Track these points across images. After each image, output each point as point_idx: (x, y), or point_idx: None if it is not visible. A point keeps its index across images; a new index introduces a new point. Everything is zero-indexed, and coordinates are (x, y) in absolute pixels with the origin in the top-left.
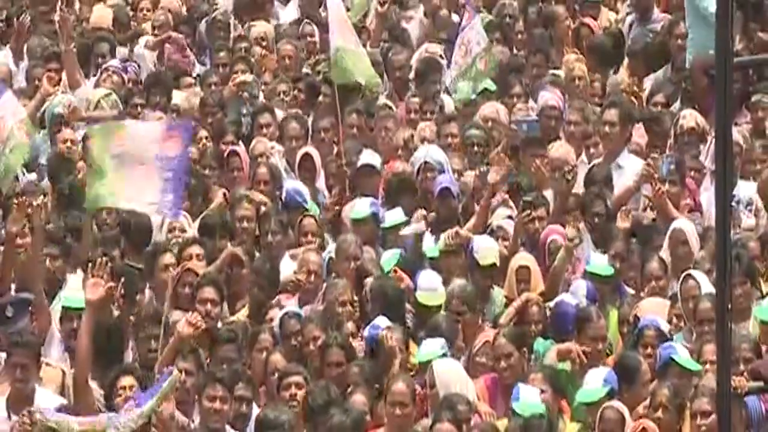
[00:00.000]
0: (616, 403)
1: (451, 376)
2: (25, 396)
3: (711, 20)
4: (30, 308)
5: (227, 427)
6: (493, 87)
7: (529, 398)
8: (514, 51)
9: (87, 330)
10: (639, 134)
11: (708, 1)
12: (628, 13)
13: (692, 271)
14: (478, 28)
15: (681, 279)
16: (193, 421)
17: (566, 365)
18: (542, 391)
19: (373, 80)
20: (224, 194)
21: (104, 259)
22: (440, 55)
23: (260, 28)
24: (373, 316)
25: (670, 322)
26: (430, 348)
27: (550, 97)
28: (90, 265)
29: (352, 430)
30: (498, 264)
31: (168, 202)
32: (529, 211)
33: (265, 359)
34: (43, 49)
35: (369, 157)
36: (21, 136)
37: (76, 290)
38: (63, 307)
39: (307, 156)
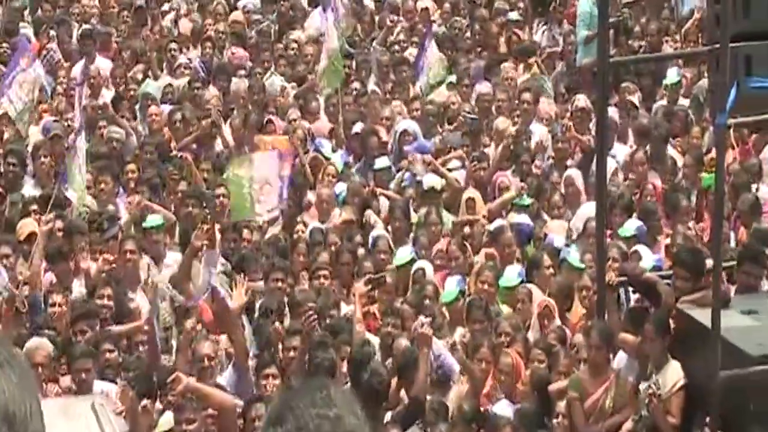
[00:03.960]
0: (528, 285)
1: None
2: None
3: (593, 34)
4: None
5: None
6: (454, 79)
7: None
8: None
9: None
10: (549, 107)
11: (589, 23)
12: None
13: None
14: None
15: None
16: None
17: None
18: (489, 284)
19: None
20: None
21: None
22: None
23: (295, 34)
24: None
25: (567, 237)
26: (405, 253)
27: (484, 86)
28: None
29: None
30: (438, 189)
31: (281, 207)
32: (476, 163)
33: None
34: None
35: (359, 128)
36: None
37: (155, 215)
38: (143, 227)
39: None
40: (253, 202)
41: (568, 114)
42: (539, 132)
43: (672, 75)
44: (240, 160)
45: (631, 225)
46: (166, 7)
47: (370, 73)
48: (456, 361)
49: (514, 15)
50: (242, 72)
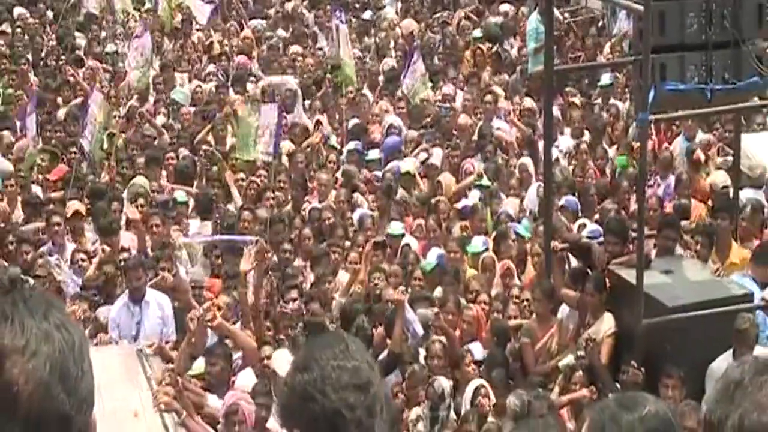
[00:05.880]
0: (491, 254)
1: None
2: None
3: (540, 47)
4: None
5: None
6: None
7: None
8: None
9: None
10: (506, 107)
11: (536, 38)
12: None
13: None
14: (420, 63)
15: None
16: None
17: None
18: (456, 252)
19: (350, 80)
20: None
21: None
22: (394, 66)
23: (294, 48)
24: None
25: (520, 212)
26: (398, 227)
27: (449, 88)
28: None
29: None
30: (412, 173)
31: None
32: (449, 150)
33: (299, 233)
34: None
35: (353, 123)
36: None
37: (181, 192)
38: (175, 201)
39: (318, 121)
40: (255, 145)
41: (518, 112)
42: (499, 126)
43: (605, 78)
44: (251, 108)
45: (562, 200)
46: (196, 26)
47: (364, 79)
48: (421, 328)
49: (477, 33)
50: (253, 78)
